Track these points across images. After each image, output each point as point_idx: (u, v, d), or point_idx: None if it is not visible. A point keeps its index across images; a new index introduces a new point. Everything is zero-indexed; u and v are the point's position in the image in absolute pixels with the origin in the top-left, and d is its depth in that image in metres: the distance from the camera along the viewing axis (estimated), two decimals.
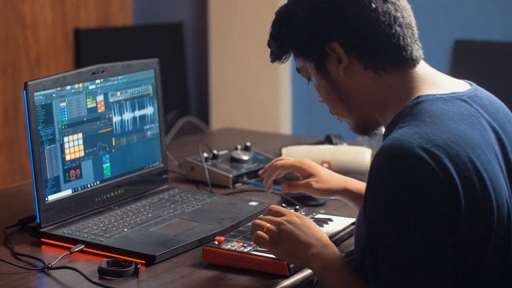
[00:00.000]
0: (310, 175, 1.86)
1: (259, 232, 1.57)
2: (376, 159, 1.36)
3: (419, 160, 1.30)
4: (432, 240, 1.31)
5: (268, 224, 1.57)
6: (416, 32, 1.49)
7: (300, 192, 1.89)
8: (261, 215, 1.61)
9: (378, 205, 1.35)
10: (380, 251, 1.34)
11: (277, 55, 1.58)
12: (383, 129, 1.54)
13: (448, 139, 1.33)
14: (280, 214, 1.60)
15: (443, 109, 1.39)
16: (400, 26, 1.45)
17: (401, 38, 1.45)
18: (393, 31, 1.45)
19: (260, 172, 1.93)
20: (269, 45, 1.58)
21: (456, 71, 3.84)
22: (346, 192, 1.81)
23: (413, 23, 1.48)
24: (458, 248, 1.32)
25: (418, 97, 1.43)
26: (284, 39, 1.53)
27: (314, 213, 1.88)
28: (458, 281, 1.34)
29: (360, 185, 1.80)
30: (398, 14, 1.45)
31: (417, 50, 1.48)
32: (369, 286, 1.40)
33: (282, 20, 1.53)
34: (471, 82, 1.52)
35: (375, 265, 1.35)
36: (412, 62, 1.47)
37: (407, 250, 1.31)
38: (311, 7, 1.47)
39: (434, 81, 1.47)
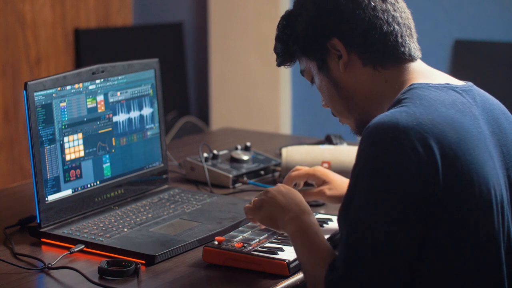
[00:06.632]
0: (323, 182, 1.89)
1: (246, 205, 1.67)
2: (362, 134, 1.39)
3: (401, 135, 1.33)
4: (400, 213, 1.32)
5: (256, 198, 1.65)
6: (414, 34, 1.53)
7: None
8: None
9: (354, 174, 1.37)
10: (349, 217, 1.35)
11: (282, 58, 1.61)
12: None
13: (434, 120, 1.35)
14: None
15: (435, 94, 1.42)
16: (398, 24, 1.50)
17: (399, 35, 1.49)
18: (392, 28, 1.49)
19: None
20: (275, 48, 1.61)
21: (456, 71, 3.84)
22: None
23: (412, 25, 1.53)
24: (430, 226, 1.32)
25: (412, 85, 1.46)
26: (288, 38, 1.57)
27: (314, 213, 1.87)
28: (434, 260, 1.34)
29: None
30: (397, 14, 1.50)
31: (415, 49, 1.52)
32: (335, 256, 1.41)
33: (286, 22, 1.58)
34: (468, 82, 1.53)
35: (343, 230, 1.37)
36: (409, 58, 1.51)
37: (373, 218, 1.32)
38: (314, 7, 1.52)
39: (429, 75, 1.51)
